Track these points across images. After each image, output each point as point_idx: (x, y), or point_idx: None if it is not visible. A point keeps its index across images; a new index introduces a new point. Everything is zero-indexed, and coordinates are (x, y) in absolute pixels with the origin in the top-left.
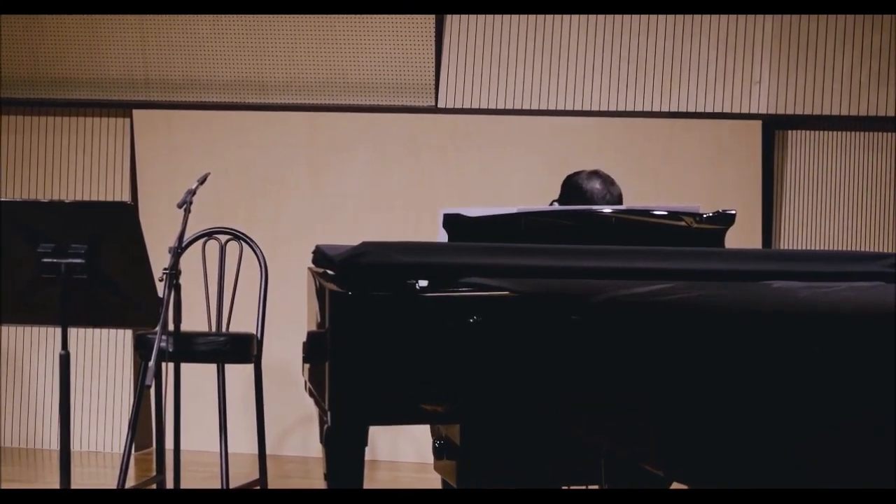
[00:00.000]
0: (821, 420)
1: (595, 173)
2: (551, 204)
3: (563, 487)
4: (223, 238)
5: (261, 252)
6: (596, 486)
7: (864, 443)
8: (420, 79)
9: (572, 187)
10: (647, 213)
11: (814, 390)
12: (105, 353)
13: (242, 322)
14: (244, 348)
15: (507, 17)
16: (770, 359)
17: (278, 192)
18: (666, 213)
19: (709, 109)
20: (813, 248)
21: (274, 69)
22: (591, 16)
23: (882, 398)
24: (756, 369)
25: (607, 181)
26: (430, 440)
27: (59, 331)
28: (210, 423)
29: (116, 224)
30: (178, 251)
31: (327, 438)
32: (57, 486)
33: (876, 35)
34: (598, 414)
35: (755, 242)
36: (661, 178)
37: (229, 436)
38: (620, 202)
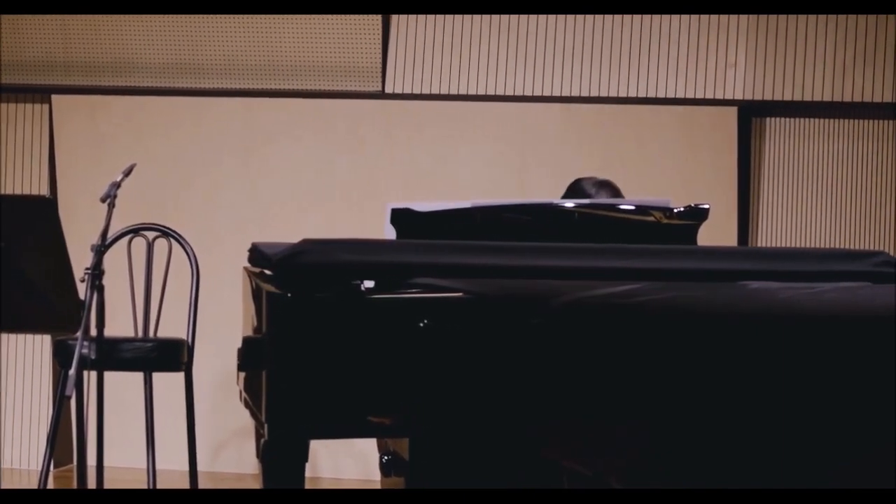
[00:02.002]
0: (805, 427)
1: (606, 184)
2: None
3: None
4: (151, 235)
5: (192, 250)
6: None
7: (853, 449)
8: (365, 61)
9: (578, 194)
10: (613, 207)
11: (796, 398)
12: (21, 360)
13: (172, 327)
14: (173, 355)
15: None
16: (747, 365)
17: (211, 184)
18: (634, 207)
19: (680, 95)
20: (793, 245)
21: (207, 50)
22: None
23: (873, 407)
24: (732, 376)
25: (615, 195)
26: (376, 455)
27: None
28: (136, 438)
29: (34, 220)
30: (101, 249)
31: (264, 453)
32: None
33: (861, 13)
34: (560, 427)
35: (730, 240)
36: (628, 169)
37: (157, 451)
38: None
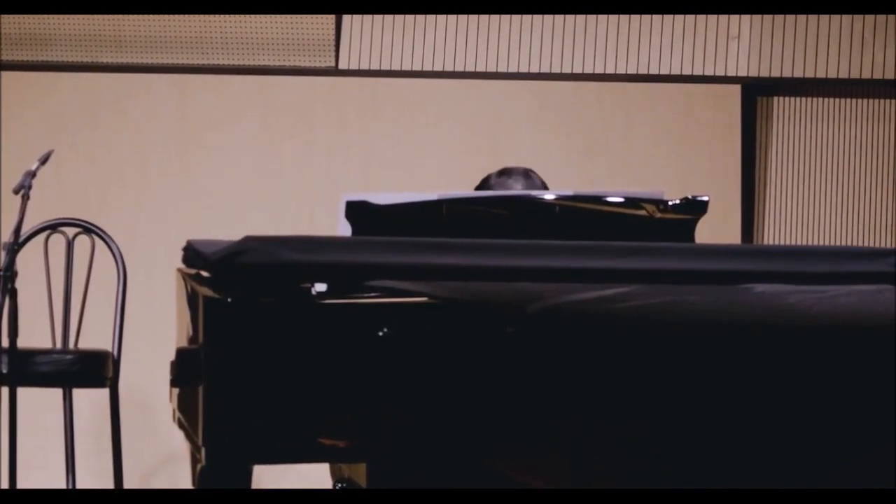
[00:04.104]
0: (816, 447)
1: (505, 172)
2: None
3: None
4: (71, 231)
5: (118, 249)
6: None
7: (870, 469)
8: (317, 33)
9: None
10: (599, 199)
11: (806, 415)
12: None
13: (95, 336)
14: (97, 369)
15: None
16: (752, 379)
17: (140, 173)
18: (623, 200)
19: (675, 71)
20: (804, 242)
21: (132, 20)
22: None
23: (891, 423)
24: (735, 392)
25: (522, 176)
26: (328, 483)
27: None
28: (55, 462)
29: None
30: (14, 248)
31: (201, 480)
32: None
33: (863, 13)
34: (536, 448)
35: (733, 236)
36: (615, 156)
37: (78, 478)
38: None
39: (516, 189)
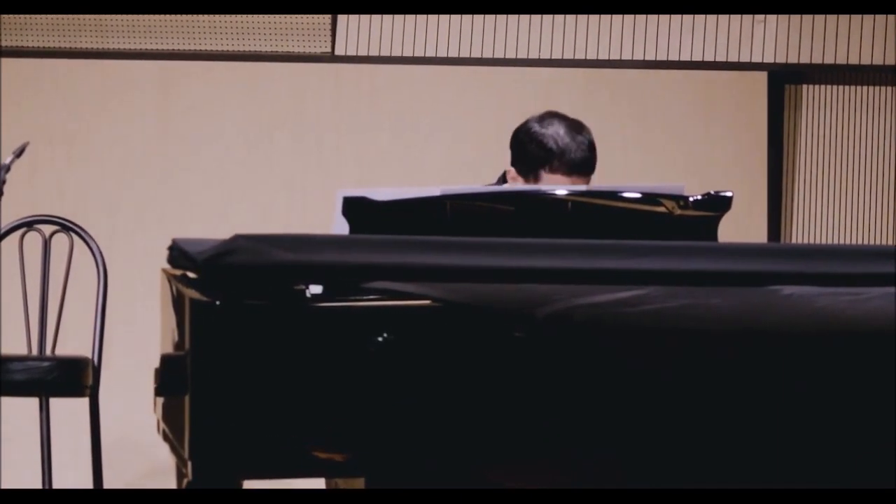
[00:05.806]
0: (849, 461)
1: (551, 115)
2: (502, 177)
3: None
4: (47, 230)
5: (98, 248)
6: None
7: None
8: (312, 18)
9: (527, 140)
10: (614, 195)
11: (837, 427)
12: None
13: (73, 342)
14: (76, 377)
15: None
16: (779, 389)
17: (120, 167)
18: (640, 195)
19: (697, 58)
20: (835, 240)
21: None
22: None
23: None
24: (761, 402)
25: (573, 125)
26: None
27: None
28: (31, 475)
29: None
30: None
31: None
32: None
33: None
34: (545, 461)
35: (759, 234)
36: (633, 148)
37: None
38: (594, 152)
39: (562, 133)
